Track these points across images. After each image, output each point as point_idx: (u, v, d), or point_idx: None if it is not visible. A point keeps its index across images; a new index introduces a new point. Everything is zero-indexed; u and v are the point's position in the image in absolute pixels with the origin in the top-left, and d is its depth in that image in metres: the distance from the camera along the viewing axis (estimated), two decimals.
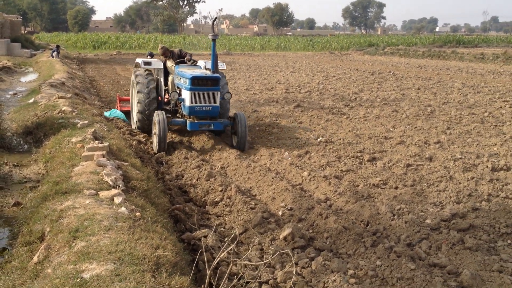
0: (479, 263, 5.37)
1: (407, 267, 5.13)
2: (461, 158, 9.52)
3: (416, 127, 12.57)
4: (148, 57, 12.37)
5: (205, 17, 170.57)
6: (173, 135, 11.56)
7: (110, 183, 5.77)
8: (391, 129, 12.46)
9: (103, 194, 5.34)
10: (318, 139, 11.28)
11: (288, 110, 15.20)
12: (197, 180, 8.34)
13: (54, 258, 3.97)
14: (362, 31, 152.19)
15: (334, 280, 4.76)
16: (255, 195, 7.88)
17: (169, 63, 12.03)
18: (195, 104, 10.04)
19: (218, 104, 10.25)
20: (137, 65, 12.27)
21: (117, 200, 5.19)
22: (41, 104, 11.96)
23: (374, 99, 17.47)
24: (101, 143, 7.34)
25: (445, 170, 8.82)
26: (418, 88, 20.63)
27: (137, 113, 11.21)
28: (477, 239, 5.99)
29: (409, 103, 16.47)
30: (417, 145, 10.63)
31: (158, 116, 9.85)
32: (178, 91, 10.94)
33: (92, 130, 8.18)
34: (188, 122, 10.25)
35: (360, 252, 5.65)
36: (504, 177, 8.35)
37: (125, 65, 34.50)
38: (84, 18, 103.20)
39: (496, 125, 12.72)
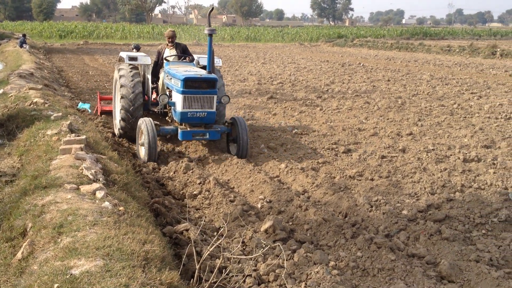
0: (457, 253, 5.52)
1: (387, 258, 5.23)
2: (433, 149, 9.72)
3: (388, 119, 12.76)
4: (134, 50, 11.34)
5: (173, 7, 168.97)
6: None
7: (91, 177, 5.71)
8: (364, 120, 12.62)
9: (85, 188, 5.28)
10: (294, 131, 11.34)
11: (262, 102, 15.23)
12: (174, 173, 8.30)
13: (39, 254, 3.92)
14: (331, 22, 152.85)
15: (317, 272, 4.82)
16: (233, 187, 7.89)
17: (169, 51, 10.63)
18: (188, 110, 8.74)
19: (214, 110, 8.94)
20: (121, 60, 10.94)
21: (99, 194, 5.14)
22: (11, 96, 11.70)
23: (346, 91, 17.64)
24: (78, 136, 7.24)
25: (418, 161, 8.99)
26: (388, 80, 20.91)
27: (120, 120, 9.85)
28: (453, 230, 6.14)
29: (380, 95, 16.70)
30: (390, 137, 10.79)
31: (146, 125, 8.62)
32: (168, 93, 9.53)
33: (68, 122, 8.05)
34: (179, 130, 8.87)
35: (341, 244, 5.74)
36: (476, 168, 8.56)
37: (93, 55, 34.01)
38: (49, 7, 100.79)
39: (465, 117, 13.00)
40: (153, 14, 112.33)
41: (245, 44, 55.07)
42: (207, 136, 8.92)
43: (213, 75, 8.88)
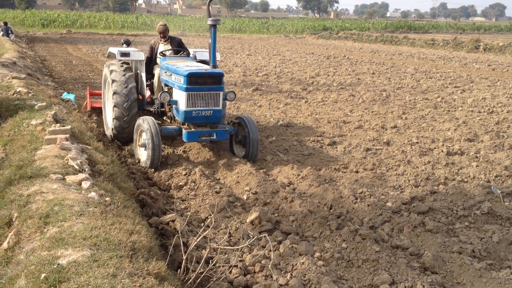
0: (440, 245, 5.60)
1: (372, 249, 5.29)
2: (417, 142, 9.81)
3: (373, 112, 12.84)
4: (124, 45, 10.37)
5: None
6: None
7: (76, 167, 5.68)
8: (349, 113, 12.69)
9: (70, 178, 5.25)
10: (279, 123, 11.37)
11: (247, 94, 15.23)
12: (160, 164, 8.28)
13: (25, 244, 3.90)
14: (316, 14, 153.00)
15: (303, 263, 4.87)
16: (219, 179, 7.90)
17: (164, 46, 9.85)
18: (193, 108, 8.00)
19: (220, 108, 8.23)
20: (110, 56, 10.22)
21: (85, 184, 5.12)
22: None
23: (331, 83, 17.70)
24: (63, 126, 7.19)
25: (402, 154, 9.08)
26: (373, 73, 21.03)
27: (113, 119, 8.98)
28: (436, 222, 6.23)
29: (365, 88, 16.79)
30: (375, 130, 10.87)
31: (149, 124, 7.81)
32: (168, 91, 8.60)
33: (52, 112, 7.99)
34: (184, 131, 8.07)
35: (326, 235, 5.78)
36: (459, 161, 8.67)
37: (77, 44, 33.70)
38: None
39: (449, 110, 13.14)
40: (137, 3, 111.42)
41: (230, 35, 54.87)
42: (215, 137, 8.17)
43: (218, 70, 8.19)
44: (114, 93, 8.80)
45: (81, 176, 5.31)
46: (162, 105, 9.18)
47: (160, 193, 7.00)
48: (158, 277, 3.50)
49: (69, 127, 7.14)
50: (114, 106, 8.83)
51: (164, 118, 9.36)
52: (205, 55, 9.67)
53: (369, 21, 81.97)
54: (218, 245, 4.65)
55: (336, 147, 9.54)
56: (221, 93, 8.16)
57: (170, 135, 8.55)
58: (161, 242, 5.14)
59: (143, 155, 8.14)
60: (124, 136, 9.20)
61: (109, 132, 9.45)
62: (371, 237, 5.56)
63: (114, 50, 9.69)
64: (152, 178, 7.80)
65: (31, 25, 53.21)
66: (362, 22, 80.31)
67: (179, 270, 4.04)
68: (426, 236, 5.83)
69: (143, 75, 9.49)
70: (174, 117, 8.65)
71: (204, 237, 5.12)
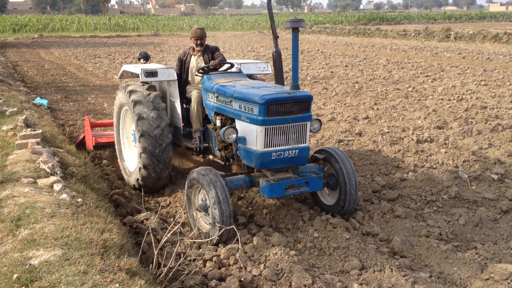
0: (408, 230, 5.78)
1: (342, 237, 5.43)
2: (388, 132, 10.00)
3: (345, 104, 13.01)
4: (142, 61, 8.21)
5: None
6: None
7: (48, 170, 5.73)
8: (322, 106, 12.84)
9: (42, 181, 5.30)
10: None
11: None
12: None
13: None
14: (290, 9, 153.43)
15: (275, 253, 4.99)
16: (185, 167, 7.97)
17: (195, 60, 7.50)
18: (272, 149, 5.59)
19: (308, 144, 5.90)
20: (124, 76, 8.09)
21: (57, 187, 5.18)
22: None
23: (305, 78, 17.85)
24: (34, 131, 7.21)
25: (374, 144, 9.25)
26: (346, 66, 21.25)
27: (141, 167, 6.82)
28: (405, 207, 6.42)
29: (338, 81, 16.97)
30: (347, 121, 11.04)
31: (212, 182, 5.36)
32: (221, 122, 6.41)
33: (23, 117, 8.00)
34: (263, 182, 5.59)
35: (299, 226, 5.91)
36: (428, 148, 8.86)
37: (49, 48, 33.39)
38: (1, 0, 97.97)
39: (419, 100, 13.37)
40: (109, 4, 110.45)
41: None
42: (308, 188, 5.83)
43: (305, 92, 5.80)
44: (142, 135, 6.69)
45: (52, 178, 5.36)
46: (203, 138, 7.03)
47: (134, 193, 7.07)
48: (129, 272, 3.59)
49: (40, 131, 7.18)
50: (142, 152, 6.72)
51: (211, 157, 7.01)
52: (252, 68, 7.60)
53: (342, 14, 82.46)
54: (189, 239, 4.74)
55: (309, 140, 9.66)
56: (309, 123, 5.85)
57: (238, 189, 6.34)
58: (136, 240, 5.23)
59: (203, 223, 5.81)
60: (156, 186, 7.15)
61: (132, 179, 7.28)
62: (341, 225, 5.70)
63: (133, 68, 7.52)
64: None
65: (2, 31, 52.42)
66: (335, 15, 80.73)
67: (151, 265, 4.13)
68: (396, 222, 6.00)
69: (177, 100, 7.27)
70: (243, 163, 6.05)
71: (175, 232, 5.20)
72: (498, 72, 18.22)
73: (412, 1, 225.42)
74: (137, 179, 6.98)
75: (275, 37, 6.65)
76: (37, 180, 5.35)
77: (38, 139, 6.78)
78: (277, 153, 5.61)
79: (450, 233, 5.68)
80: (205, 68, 6.91)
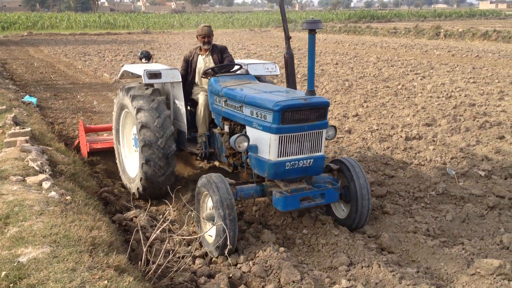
0: (396, 226, 5.83)
1: (331, 233, 5.48)
2: (377, 129, 10.06)
3: (335, 101, 13.06)
4: (144, 60, 7.85)
5: None
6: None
7: (37, 168, 5.72)
8: None
9: (31, 179, 5.30)
10: None
11: None
12: None
13: None
14: None
15: (265, 250, 5.03)
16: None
17: (203, 60, 7.18)
18: (286, 158, 5.23)
19: (323, 153, 5.50)
20: (124, 76, 7.73)
21: (46, 185, 5.18)
22: None
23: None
24: (23, 129, 7.20)
25: (363, 141, 9.30)
26: (336, 64, 21.31)
27: (142, 177, 6.49)
28: (394, 204, 6.47)
29: (328, 78, 17.02)
30: (337, 119, 11.09)
31: (219, 191, 5.04)
32: (229, 128, 6.13)
33: (12, 115, 7.97)
34: (276, 194, 5.26)
35: (288, 223, 5.95)
36: (417, 145, 8.93)
37: (38, 46, 33.20)
38: None
39: (408, 97, 13.45)
40: (99, 2, 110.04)
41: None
42: (323, 200, 5.45)
43: (321, 98, 5.40)
44: (145, 144, 6.34)
45: (41, 176, 5.36)
46: (208, 144, 6.73)
47: (124, 191, 7.08)
48: (118, 269, 3.61)
49: (29, 129, 7.15)
50: (145, 162, 6.39)
51: (217, 164, 6.70)
52: (260, 69, 7.27)
53: (333, 12, 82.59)
54: (177, 235, 4.76)
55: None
56: (325, 131, 5.45)
57: (248, 199, 5.81)
58: (125, 238, 5.24)
59: (209, 234, 5.36)
60: (159, 192, 6.76)
61: (133, 186, 6.91)
62: (330, 222, 5.75)
63: (134, 69, 7.16)
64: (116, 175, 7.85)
65: None
66: (326, 13, 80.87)
67: (140, 262, 4.15)
68: (384, 218, 6.05)
69: (181, 103, 6.91)
70: (241, 166, 6.01)
71: (167, 230, 5.22)
72: (487, 69, 18.35)
73: None
74: (138, 188, 6.69)
75: (287, 37, 6.34)
76: (25, 178, 5.35)
77: (27, 137, 6.77)
78: (291, 162, 5.26)
79: (437, 229, 5.73)
80: (211, 70, 6.58)
